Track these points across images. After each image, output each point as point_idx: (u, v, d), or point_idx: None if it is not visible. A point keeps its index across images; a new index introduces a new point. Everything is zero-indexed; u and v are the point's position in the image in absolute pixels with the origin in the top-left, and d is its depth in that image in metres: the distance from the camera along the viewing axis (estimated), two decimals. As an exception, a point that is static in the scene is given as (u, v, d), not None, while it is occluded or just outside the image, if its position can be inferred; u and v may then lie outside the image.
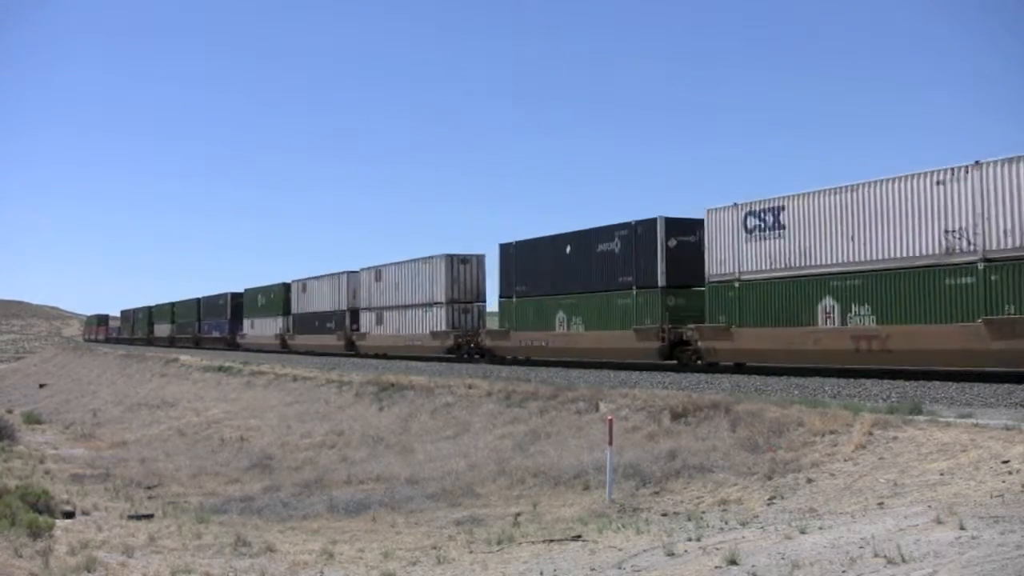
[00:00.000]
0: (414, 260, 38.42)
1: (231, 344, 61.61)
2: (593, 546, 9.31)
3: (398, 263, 39.92)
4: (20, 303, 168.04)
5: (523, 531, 10.81)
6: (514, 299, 31.45)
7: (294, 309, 51.94)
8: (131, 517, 13.40)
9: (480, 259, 36.44)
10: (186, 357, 51.51)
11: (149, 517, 13.53)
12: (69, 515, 12.90)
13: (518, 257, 31.62)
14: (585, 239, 27.82)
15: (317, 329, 48.01)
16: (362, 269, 43.94)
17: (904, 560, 6.55)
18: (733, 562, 7.36)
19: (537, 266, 30.42)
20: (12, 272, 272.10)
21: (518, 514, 12.21)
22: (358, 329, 43.85)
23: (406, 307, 38.87)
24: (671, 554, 8.17)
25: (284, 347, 52.33)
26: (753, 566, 7.18)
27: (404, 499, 14.46)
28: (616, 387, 19.62)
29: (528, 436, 17.62)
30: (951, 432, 11.49)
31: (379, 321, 41.56)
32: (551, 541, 9.85)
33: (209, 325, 68.45)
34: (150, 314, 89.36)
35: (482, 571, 8.87)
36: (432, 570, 9.17)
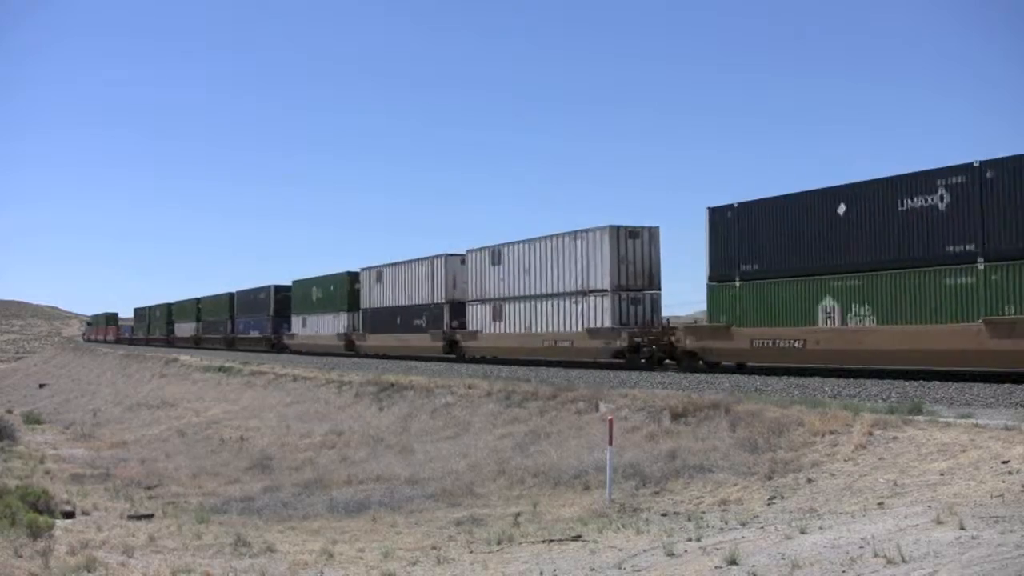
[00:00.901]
0: (559, 235, 29.44)
1: (276, 346, 53.37)
2: (593, 546, 9.31)
3: (530, 240, 30.98)
4: (20, 303, 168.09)
5: (523, 531, 10.81)
6: (738, 282, 23.05)
7: (365, 303, 43.13)
8: (131, 517, 13.40)
9: (654, 232, 27.90)
10: (186, 357, 51.49)
11: (149, 517, 13.53)
12: (69, 515, 12.90)
13: (743, 224, 23.14)
14: (875, 193, 20.02)
15: (400, 327, 39.40)
16: (470, 250, 34.68)
17: (904, 560, 6.55)
18: (733, 562, 7.37)
19: (780, 235, 22.23)
20: (12, 272, 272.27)
21: (518, 514, 12.21)
22: (462, 326, 35.08)
23: (543, 297, 30.01)
24: (671, 554, 8.17)
25: (351, 350, 43.99)
26: (753, 566, 7.18)
27: (404, 499, 14.47)
28: (616, 387, 19.62)
29: (528, 436, 17.63)
30: (951, 432, 11.50)
31: (497, 316, 32.42)
32: (551, 541, 9.85)
33: (246, 324, 59.58)
34: (169, 312, 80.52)
35: (482, 571, 8.86)
36: (432, 570, 9.17)
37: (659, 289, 27.97)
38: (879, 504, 9.49)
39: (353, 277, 45.07)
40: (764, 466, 12.10)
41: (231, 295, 63.64)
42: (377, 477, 17.16)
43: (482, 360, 33.41)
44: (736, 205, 23.45)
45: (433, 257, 37.42)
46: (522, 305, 31.24)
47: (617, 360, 26.93)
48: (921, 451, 11.17)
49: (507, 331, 31.92)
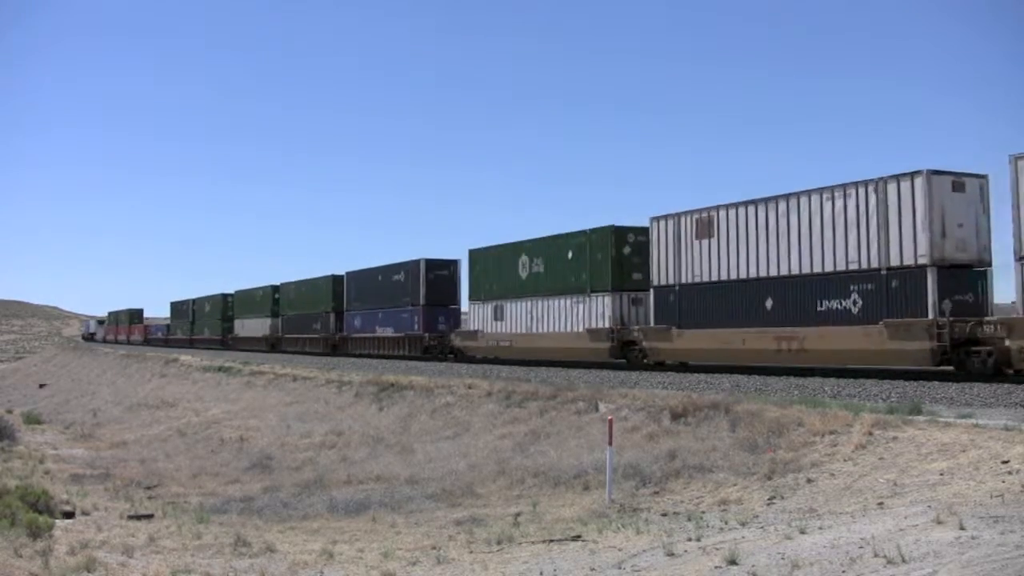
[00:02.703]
0: None
1: (432, 350, 37.10)
2: (593, 546, 9.31)
3: None
4: (20, 303, 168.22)
5: (523, 531, 10.81)
6: None
7: (659, 278, 25.59)
8: (131, 517, 13.40)
9: None
10: (186, 357, 51.50)
11: (149, 517, 13.53)
12: (69, 515, 12.89)
13: None
14: None
15: (773, 317, 21.89)
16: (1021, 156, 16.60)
17: (904, 560, 6.55)
18: (733, 562, 7.36)
19: None
20: (12, 272, 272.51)
21: (518, 514, 12.20)
22: (965, 309, 18.41)
23: None
24: (671, 554, 8.17)
25: (620, 357, 27.04)
26: (753, 566, 7.18)
27: (404, 499, 14.46)
28: (616, 387, 19.61)
29: (528, 436, 17.62)
30: (951, 432, 11.50)
31: None
32: (551, 541, 9.84)
33: (367, 318, 42.85)
34: (226, 305, 63.18)
35: (482, 571, 8.86)
36: (432, 570, 9.16)
37: None
38: (879, 504, 9.49)
39: (620, 235, 27.48)
40: (764, 466, 12.10)
41: (337, 278, 47.20)
42: (377, 477, 17.16)
43: None
44: None
45: (878, 180, 19.35)
46: None
47: None
48: (921, 451, 11.16)
49: None
